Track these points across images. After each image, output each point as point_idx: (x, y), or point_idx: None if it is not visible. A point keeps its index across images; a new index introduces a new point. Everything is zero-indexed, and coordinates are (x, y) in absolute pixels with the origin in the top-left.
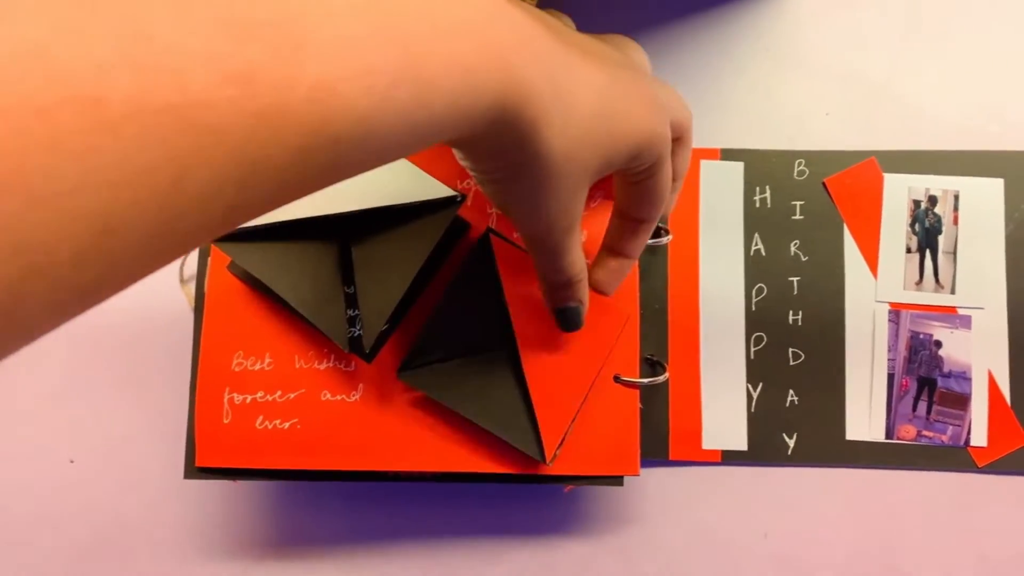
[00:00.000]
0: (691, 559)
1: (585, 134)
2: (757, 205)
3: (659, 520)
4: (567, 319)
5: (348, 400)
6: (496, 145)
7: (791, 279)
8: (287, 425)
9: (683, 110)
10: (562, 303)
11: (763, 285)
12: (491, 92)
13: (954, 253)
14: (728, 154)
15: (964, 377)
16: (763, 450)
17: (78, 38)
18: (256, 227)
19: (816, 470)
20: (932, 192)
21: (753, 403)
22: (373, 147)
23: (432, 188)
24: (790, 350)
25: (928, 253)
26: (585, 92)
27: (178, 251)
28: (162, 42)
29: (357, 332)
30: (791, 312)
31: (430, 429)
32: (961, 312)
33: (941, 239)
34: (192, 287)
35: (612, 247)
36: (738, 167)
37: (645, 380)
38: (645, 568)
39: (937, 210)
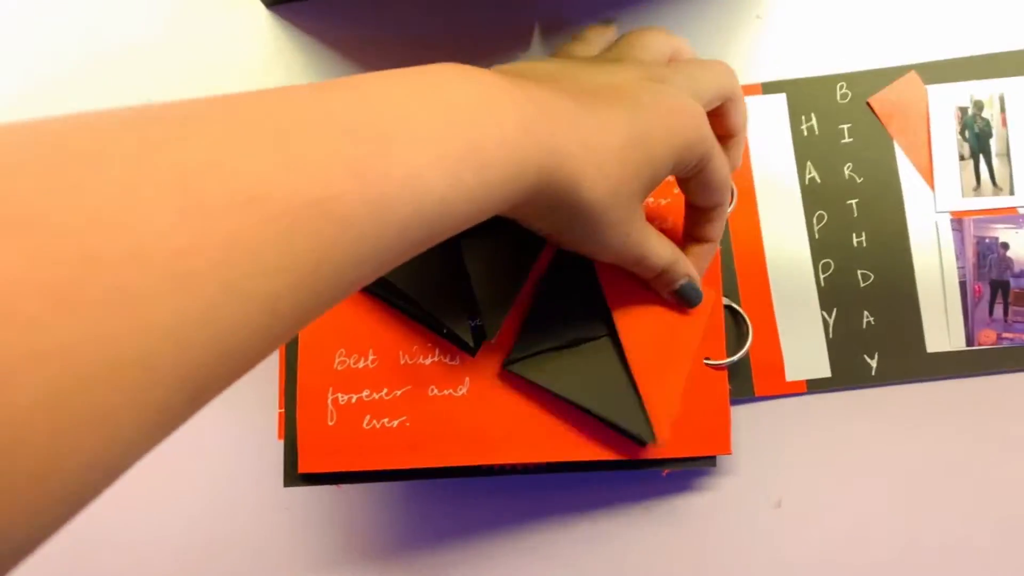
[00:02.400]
0: (794, 490)
1: (621, 171)
2: (805, 134)
3: (756, 457)
4: (684, 296)
5: (455, 394)
6: (546, 205)
7: (849, 202)
8: (396, 423)
9: (720, 79)
10: (671, 286)
11: (823, 212)
12: (534, 164)
13: (1007, 154)
14: (769, 87)
15: None
16: (847, 374)
17: (242, 151)
18: None
19: (902, 387)
20: (977, 97)
21: (830, 329)
22: (449, 223)
23: None
24: (859, 272)
25: (982, 158)
26: (610, 136)
27: (303, 327)
28: (302, 149)
29: (476, 323)
30: (854, 234)
31: (535, 420)
32: (1022, 211)
33: (993, 142)
34: None
35: (692, 235)
36: (781, 99)
37: (735, 357)
38: (754, 508)
39: (984, 114)
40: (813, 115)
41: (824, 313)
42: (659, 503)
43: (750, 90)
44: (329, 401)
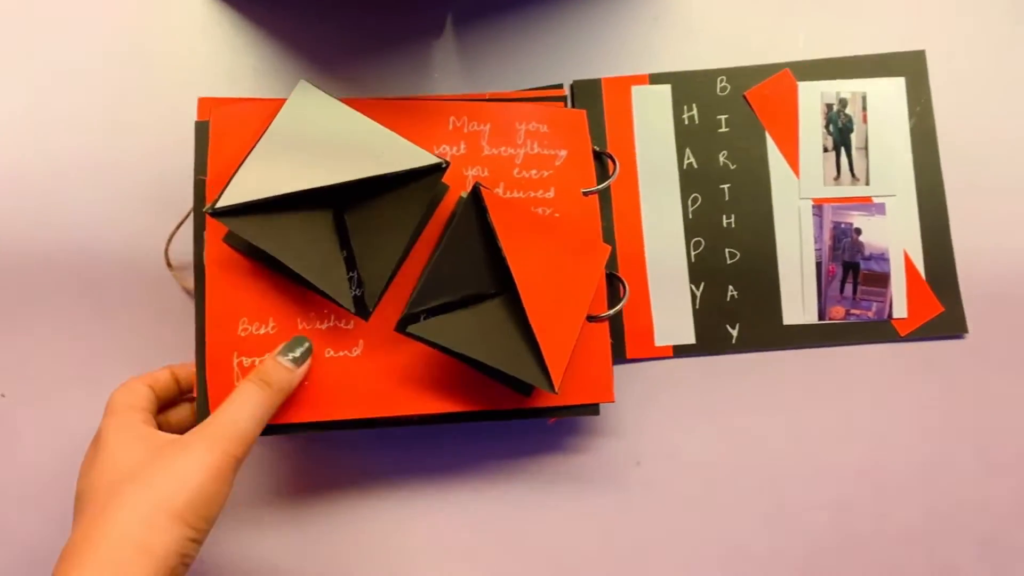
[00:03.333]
0: (662, 447)
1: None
2: (686, 122)
3: (628, 416)
4: (300, 357)
5: (350, 355)
6: None
7: (722, 186)
8: None
9: None
10: (287, 366)
11: (697, 195)
12: None
13: (866, 148)
14: (656, 78)
15: (883, 258)
16: (710, 342)
17: None
18: (254, 201)
19: (759, 355)
20: (842, 95)
21: (697, 300)
22: None
23: (418, 156)
24: (726, 250)
25: (843, 150)
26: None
27: None
28: None
29: (358, 292)
30: (724, 216)
31: (426, 376)
32: (876, 200)
33: (853, 137)
34: (182, 273)
35: None
36: (666, 89)
37: (612, 311)
38: (619, 464)
39: (848, 111)
40: (695, 105)
41: (693, 286)
42: (543, 456)
43: (638, 79)
44: (235, 364)
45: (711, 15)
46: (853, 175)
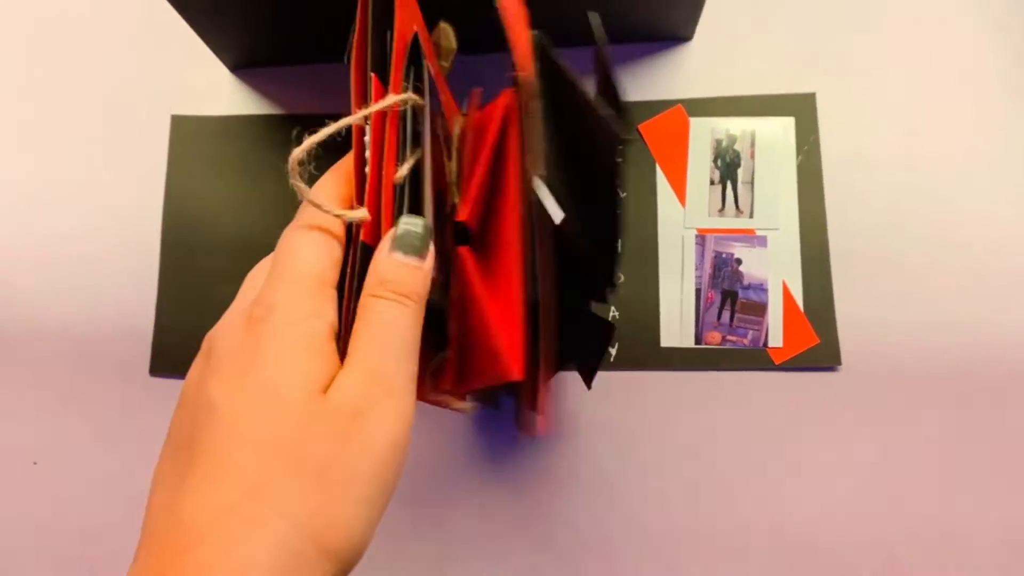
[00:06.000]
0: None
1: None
2: None
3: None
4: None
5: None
6: None
7: None
8: None
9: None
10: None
11: None
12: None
13: (751, 183)
14: None
15: (762, 288)
16: None
17: None
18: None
19: (636, 374)
20: (732, 132)
21: None
22: None
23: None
24: None
25: (729, 184)
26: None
27: None
28: None
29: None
30: None
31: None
32: (759, 233)
33: (740, 171)
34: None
35: None
36: None
37: None
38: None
39: (736, 147)
40: None
41: None
42: None
43: None
44: None
45: (721, 52)
46: (738, 208)
